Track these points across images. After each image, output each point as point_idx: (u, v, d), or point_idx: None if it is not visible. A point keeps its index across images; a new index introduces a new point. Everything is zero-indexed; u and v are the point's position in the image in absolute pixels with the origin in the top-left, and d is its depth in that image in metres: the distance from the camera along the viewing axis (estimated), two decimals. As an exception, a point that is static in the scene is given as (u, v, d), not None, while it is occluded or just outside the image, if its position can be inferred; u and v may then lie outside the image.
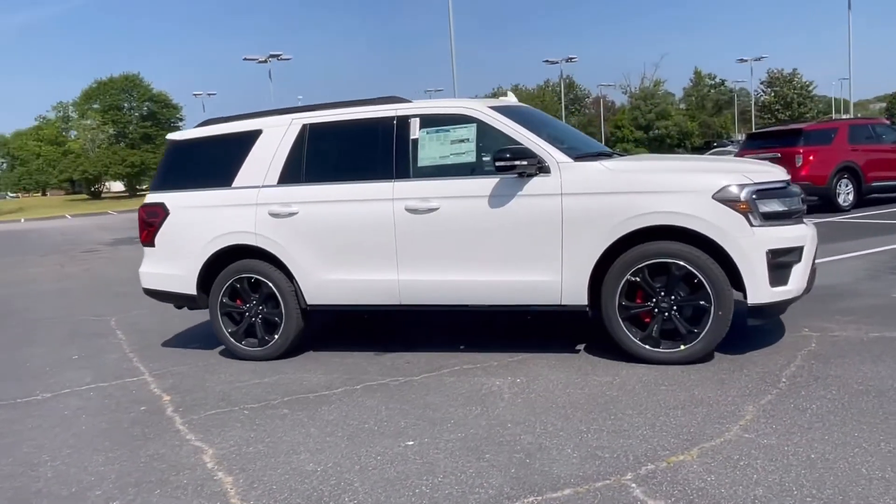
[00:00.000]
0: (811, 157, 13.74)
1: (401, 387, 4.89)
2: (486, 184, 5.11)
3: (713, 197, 4.67)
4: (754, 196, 4.69)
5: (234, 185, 5.87)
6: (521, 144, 5.08)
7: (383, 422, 4.25)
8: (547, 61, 50.29)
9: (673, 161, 5.41)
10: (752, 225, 4.65)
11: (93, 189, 64.37)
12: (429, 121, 5.40)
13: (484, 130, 5.24)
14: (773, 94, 73.25)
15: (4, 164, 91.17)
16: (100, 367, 6.10)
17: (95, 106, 65.42)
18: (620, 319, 4.92)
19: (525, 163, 4.94)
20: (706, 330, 4.77)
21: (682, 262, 4.75)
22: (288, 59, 44.03)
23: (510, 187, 5.06)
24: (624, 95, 74.55)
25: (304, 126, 5.76)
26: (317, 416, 4.44)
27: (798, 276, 4.79)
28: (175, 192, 6.11)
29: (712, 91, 77.76)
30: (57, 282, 12.25)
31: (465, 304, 5.30)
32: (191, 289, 6.00)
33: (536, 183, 5.02)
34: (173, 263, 6.05)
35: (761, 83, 74.57)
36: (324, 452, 3.86)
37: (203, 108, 60.50)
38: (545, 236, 4.98)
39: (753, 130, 17.66)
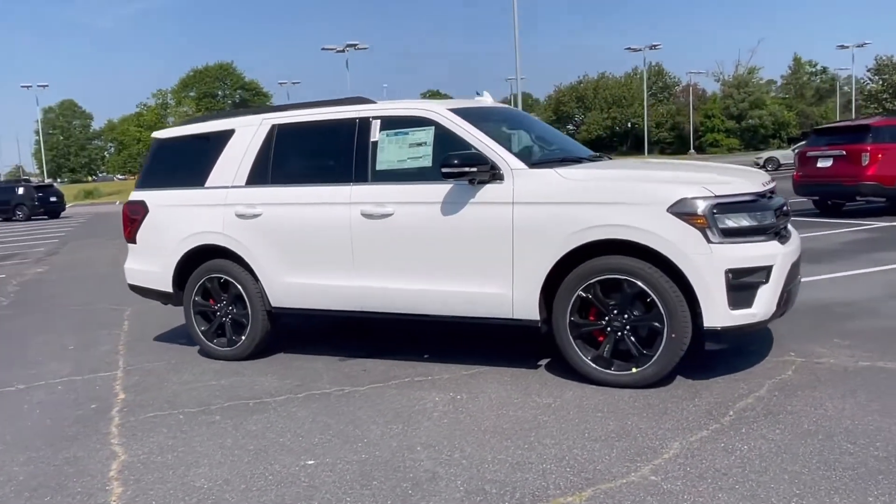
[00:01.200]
0: (879, 156, 12.71)
1: (340, 398, 4.77)
2: (440, 190, 4.90)
3: (668, 210, 4.31)
4: (714, 210, 4.29)
5: (206, 184, 5.87)
6: (476, 149, 4.84)
7: (299, 437, 4.13)
8: (629, 49, 48.55)
9: (639, 170, 5.01)
10: (709, 241, 4.26)
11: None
12: (389, 123, 5.22)
13: (442, 133, 5.02)
14: (881, 83, 68.71)
15: (112, 148, 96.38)
16: (85, 359, 6.25)
17: (191, 94, 68.06)
18: (571, 337, 4.63)
19: (475, 169, 4.70)
20: (659, 353, 4.42)
21: (633, 280, 4.42)
22: (365, 49, 44.44)
23: (463, 194, 4.83)
24: (716, 83, 71.65)
25: (273, 126, 5.69)
26: (242, 425, 4.37)
27: (765, 299, 4.36)
28: (155, 190, 6.18)
29: (813, 79, 73.64)
30: (108, 267, 12.73)
31: (418, 313, 5.12)
32: (167, 286, 6.06)
33: (489, 190, 4.77)
34: (152, 260, 6.12)
35: (868, 70, 70.11)
36: (223, 467, 3.78)
37: (288, 96, 61.86)
38: (496, 246, 4.74)
39: (821, 125, 16.50)
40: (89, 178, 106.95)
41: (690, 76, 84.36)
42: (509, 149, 4.94)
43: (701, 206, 4.28)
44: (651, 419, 4.03)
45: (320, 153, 5.52)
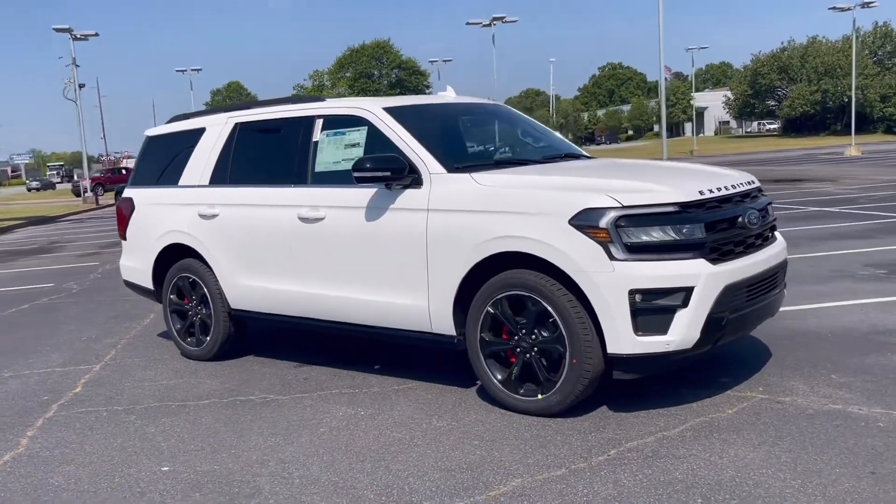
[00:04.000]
0: None
1: (256, 406, 5.15)
2: (365, 195, 5.13)
3: (569, 222, 4.28)
4: (620, 223, 4.20)
5: (179, 183, 6.47)
6: (398, 152, 5.02)
7: (181, 442, 4.57)
8: (834, 8, 44.92)
9: (564, 175, 4.87)
10: (612, 258, 4.18)
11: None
12: (329, 122, 5.52)
13: (374, 134, 5.25)
14: None
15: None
16: (83, 351, 7.09)
17: (347, 74, 71.51)
18: (482, 356, 4.71)
19: (388, 174, 4.88)
20: (561, 380, 4.40)
21: (536, 297, 4.43)
22: (514, 22, 44.40)
23: (384, 200, 5.04)
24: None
25: (236, 125, 6.17)
26: (144, 427, 4.88)
27: (683, 326, 4.21)
28: (142, 187, 6.88)
29: None
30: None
31: (348, 323, 5.39)
32: (149, 283, 6.75)
33: (407, 196, 4.95)
34: (138, 257, 6.84)
35: None
36: (89, 468, 4.29)
37: (438, 75, 63.36)
38: (413, 255, 4.91)
39: None
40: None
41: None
42: (449, 151, 5.10)
43: (603, 218, 4.20)
44: (522, 451, 4.06)
45: (270, 153, 5.93)
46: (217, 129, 6.29)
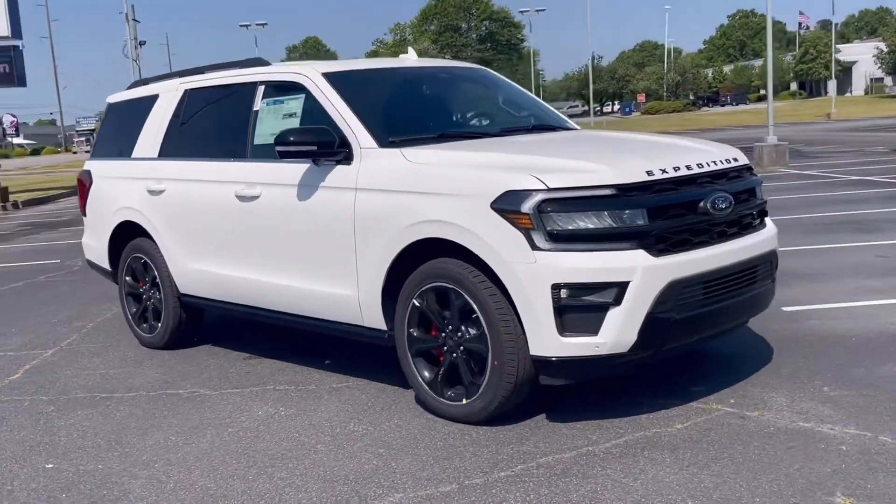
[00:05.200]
0: None
1: (181, 401, 5.35)
2: (299, 171, 5.20)
3: (492, 206, 4.25)
4: (545, 207, 4.13)
5: (132, 155, 6.71)
6: (333, 123, 5.07)
7: (80, 438, 4.80)
8: None
9: (504, 152, 4.77)
10: (534, 247, 4.13)
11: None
12: (270, 89, 5.62)
13: (311, 103, 5.31)
14: None
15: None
16: (42, 334, 7.47)
17: (432, 27, 71.67)
18: (409, 354, 4.75)
19: (314, 148, 4.94)
20: (484, 384, 4.40)
21: (458, 289, 4.42)
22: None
23: (315, 177, 5.11)
24: None
25: (186, 92, 6.34)
26: (56, 420, 5.15)
27: (617, 326, 4.13)
28: (100, 159, 7.17)
29: None
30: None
31: (286, 313, 5.50)
32: (106, 263, 7.04)
33: (337, 173, 5.00)
34: (95, 235, 7.14)
35: None
36: (-23, 461, 4.56)
37: (530, 27, 62.70)
38: (342, 239, 4.97)
39: None
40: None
41: None
42: (388, 123, 5.15)
43: (526, 202, 4.15)
44: (423, 462, 4.09)
45: (215, 123, 6.07)
46: (169, 97, 6.48)
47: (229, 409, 5.10)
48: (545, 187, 4.15)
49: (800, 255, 8.70)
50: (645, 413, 4.56)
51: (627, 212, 4.17)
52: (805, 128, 42.36)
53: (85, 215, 7.32)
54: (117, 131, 7.09)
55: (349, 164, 4.95)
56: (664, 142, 5.24)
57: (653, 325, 4.18)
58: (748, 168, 4.96)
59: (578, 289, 4.12)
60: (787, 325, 6.08)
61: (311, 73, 5.35)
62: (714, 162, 4.64)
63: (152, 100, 6.63)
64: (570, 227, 4.13)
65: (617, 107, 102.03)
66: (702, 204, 4.40)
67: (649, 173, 4.31)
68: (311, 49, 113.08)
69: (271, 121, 5.55)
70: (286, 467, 4.17)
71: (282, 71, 5.60)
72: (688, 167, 4.47)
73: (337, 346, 6.15)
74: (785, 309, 6.55)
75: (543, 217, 4.12)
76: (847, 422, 4.26)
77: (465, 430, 4.46)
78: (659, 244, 4.23)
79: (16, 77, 27.66)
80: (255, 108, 5.65)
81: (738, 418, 4.41)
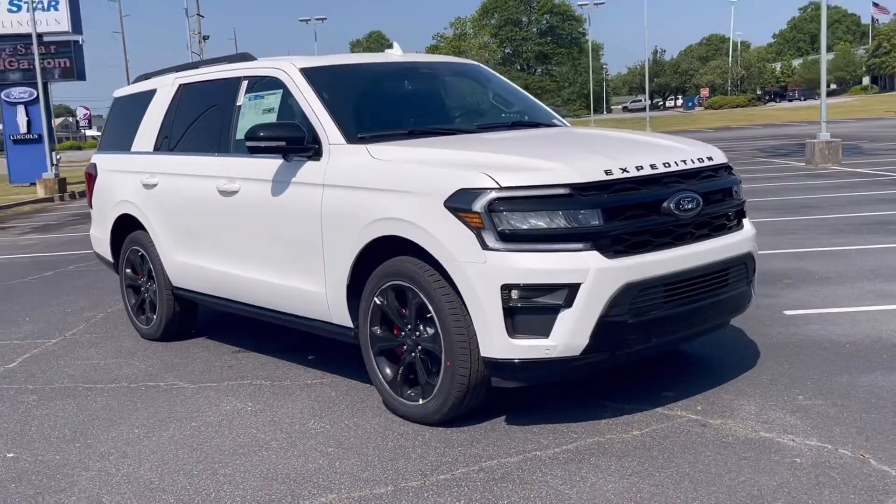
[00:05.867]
0: None
1: (158, 393, 5.39)
2: (272, 166, 5.20)
3: (445, 204, 4.17)
4: (499, 206, 4.03)
5: (131, 148, 6.78)
6: (305, 118, 5.05)
7: (51, 428, 4.87)
8: None
9: (468, 150, 4.66)
10: (485, 247, 4.05)
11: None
12: (252, 84, 5.62)
13: (288, 98, 5.29)
14: None
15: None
16: (52, 323, 7.62)
17: (492, 21, 71.39)
18: (371, 352, 4.71)
19: (283, 143, 4.92)
20: (438, 385, 4.33)
21: (414, 288, 4.36)
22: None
23: (288, 172, 5.10)
24: None
25: (180, 87, 6.38)
26: (34, 410, 5.23)
27: (567, 329, 4.02)
28: (105, 153, 7.27)
29: None
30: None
31: (264, 308, 5.51)
32: (109, 255, 7.15)
33: (307, 169, 4.98)
34: (99, 227, 7.25)
35: None
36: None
37: (588, 20, 62.00)
38: (311, 236, 4.94)
39: None
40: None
41: None
42: (360, 119, 5.13)
43: (477, 201, 4.06)
44: (368, 462, 4.05)
45: (203, 118, 6.09)
46: (165, 91, 6.53)
47: (199, 403, 5.12)
48: (497, 186, 4.06)
49: (819, 257, 8.44)
50: (607, 418, 4.45)
51: (581, 212, 4.06)
52: (873, 124, 41.20)
53: (91, 207, 7.43)
54: (121, 125, 7.18)
55: (318, 160, 4.92)
56: (638, 140, 5.09)
57: (606, 328, 4.06)
58: (726, 168, 4.79)
59: (529, 290, 4.03)
60: (783, 330, 5.88)
61: (288, 69, 5.33)
62: (684, 161, 4.49)
63: (151, 94, 6.70)
64: (522, 227, 4.03)
65: (680, 101, 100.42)
66: (665, 204, 4.26)
67: (608, 172, 4.18)
68: (375, 43, 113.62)
69: (252, 116, 5.55)
70: (233, 464, 4.16)
71: (262, 66, 5.59)
72: (652, 166, 4.33)
73: (322, 343, 6.13)
74: (787, 312, 6.35)
75: (494, 216, 4.03)
76: (811, 433, 4.09)
77: (420, 431, 4.41)
78: (616, 245, 4.11)
79: (76, 71, 28.41)
80: (238, 103, 5.66)
81: (699, 426, 4.27)
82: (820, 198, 13.44)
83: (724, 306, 4.61)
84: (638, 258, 4.14)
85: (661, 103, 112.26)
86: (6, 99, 28.44)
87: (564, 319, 4.02)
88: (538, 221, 4.04)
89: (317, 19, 59.06)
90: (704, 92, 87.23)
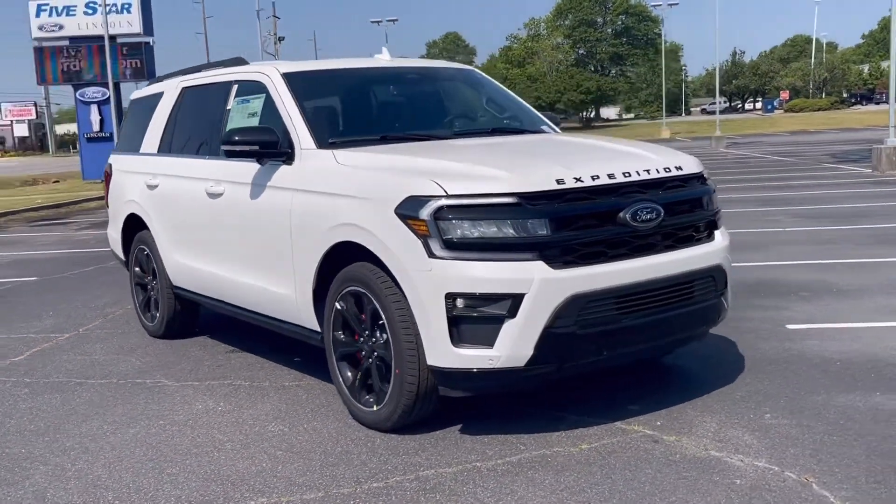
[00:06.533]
0: None
1: (142, 390, 5.50)
2: (251, 170, 5.26)
3: (395, 210, 4.17)
4: (446, 214, 4.00)
5: (140, 150, 6.95)
6: (282, 123, 5.10)
7: (28, 421, 5.02)
8: None
9: (426, 157, 4.60)
10: (431, 255, 4.03)
11: (548, 118, 69.73)
12: (241, 88, 5.70)
13: (269, 102, 5.35)
14: None
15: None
16: (73, 317, 7.85)
17: (566, 22, 70.85)
18: (334, 356, 4.73)
19: (256, 147, 4.98)
20: (389, 391, 4.33)
21: (368, 294, 4.37)
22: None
23: (264, 176, 5.16)
24: None
25: (182, 90, 6.51)
26: (20, 403, 5.39)
27: (511, 339, 3.97)
28: (119, 154, 7.47)
29: None
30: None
31: (245, 309, 5.58)
32: (122, 253, 7.34)
33: (281, 173, 5.03)
34: (113, 226, 7.45)
35: None
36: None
37: (662, 21, 60.96)
38: (281, 239, 4.99)
39: None
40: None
41: None
42: (335, 124, 5.17)
43: (424, 208, 4.04)
44: (308, 467, 4.07)
45: (199, 121, 6.20)
46: (170, 94, 6.67)
47: (175, 402, 5.21)
48: (444, 193, 4.03)
49: (846, 269, 8.16)
50: (562, 430, 4.38)
51: (529, 221, 4.00)
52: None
53: (108, 206, 7.63)
54: (134, 126, 7.36)
55: (291, 164, 4.96)
56: (605, 149, 4.99)
57: (551, 339, 3.99)
58: (698, 177, 4.67)
59: (473, 299, 3.99)
60: (778, 345, 5.71)
61: (271, 73, 5.39)
62: (647, 171, 4.38)
63: (159, 97, 6.85)
64: (468, 236, 4.00)
65: (759, 104, 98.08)
66: (622, 215, 4.17)
67: (559, 181, 4.11)
68: (451, 45, 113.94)
69: (239, 119, 5.63)
70: (182, 463, 4.22)
71: (249, 71, 5.66)
72: (610, 176, 4.24)
73: (310, 346, 6.17)
74: (789, 326, 6.16)
75: (440, 224, 4.01)
76: (762, 454, 3.96)
77: (372, 437, 4.41)
78: (565, 256, 4.04)
79: (146, 72, 29.17)
80: (227, 107, 5.74)
81: (651, 442, 4.17)
82: (874, 206, 12.97)
83: (688, 320, 4.49)
84: (588, 269, 4.06)
85: (740, 106, 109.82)
86: (81, 98, 29.46)
87: (508, 330, 3.97)
88: (484, 230, 4.00)
89: (388, 20, 59.67)
90: (784, 95, 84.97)
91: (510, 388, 4.32)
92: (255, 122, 5.44)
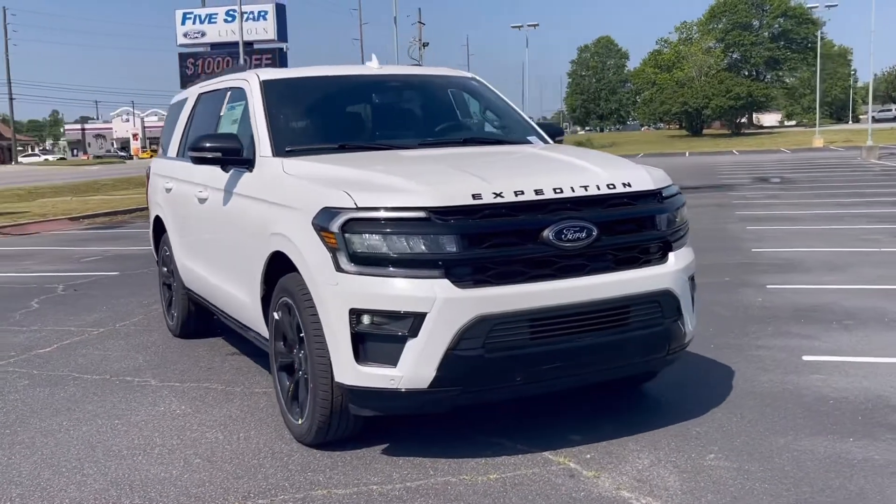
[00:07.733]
0: None
1: (128, 388, 5.64)
2: (224, 176, 5.32)
3: (312, 222, 4.10)
4: (354, 227, 3.89)
5: (167, 153, 7.18)
6: (250, 130, 5.14)
7: (7, 413, 5.23)
8: None
9: (361, 168, 4.45)
10: (338, 269, 3.94)
11: (694, 124, 67.63)
12: (232, 95, 5.78)
13: (247, 110, 5.40)
14: None
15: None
16: (115, 315, 8.17)
17: (719, 25, 68.50)
18: (276, 366, 4.71)
19: (218, 154, 5.03)
20: (308, 406, 4.26)
21: (294, 306, 4.32)
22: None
23: (231, 183, 5.21)
24: None
25: (198, 96, 6.67)
26: (10, 395, 5.64)
27: (413, 359, 3.82)
28: (157, 157, 7.73)
29: None
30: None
31: (227, 314, 5.65)
32: (156, 254, 7.60)
33: (243, 181, 5.07)
34: (149, 227, 7.72)
35: None
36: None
37: (822, 23, 57.73)
38: (240, 245, 5.03)
39: None
40: (617, 127, 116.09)
41: None
42: (298, 133, 5.20)
43: (334, 221, 3.95)
44: (220, 478, 4.06)
45: (201, 127, 6.32)
46: (191, 100, 6.85)
47: (143, 402, 5.32)
48: (353, 206, 3.93)
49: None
50: (485, 457, 4.19)
51: (438, 237, 3.84)
52: None
53: (148, 208, 7.92)
54: (167, 131, 7.60)
55: (251, 171, 4.98)
56: (551, 161, 4.72)
57: (455, 362, 3.82)
58: (653, 194, 4.34)
59: (376, 316, 3.87)
60: (777, 377, 5.28)
61: (251, 80, 5.43)
62: (584, 187, 4.11)
63: (184, 102, 7.04)
64: (375, 250, 3.88)
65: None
66: (545, 233, 3.94)
67: (476, 196, 3.92)
68: (602, 48, 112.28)
69: (226, 125, 5.71)
70: (103, 465, 4.29)
71: (237, 78, 5.72)
72: (537, 191, 4.01)
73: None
74: (805, 358, 5.70)
75: (348, 237, 3.90)
76: (674, 499, 3.65)
77: (293, 452, 4.36)
78: (476, 274, 3.86)
79: (280, 75, 30.09)
80: (220, 114, 5.83)
81: (566, 476, 3.92)
82: None
83: (622, 348, 4.18)
84: (500, 289, 3.86)
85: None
86: (219, 101, 30.83)
87: (411, 349, 3.83)
88: (392, 245, 3.86)
89: (529, 25, 59.39)
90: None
91: (419, 410, 4.14)
92: (236, 128, 5.49)
